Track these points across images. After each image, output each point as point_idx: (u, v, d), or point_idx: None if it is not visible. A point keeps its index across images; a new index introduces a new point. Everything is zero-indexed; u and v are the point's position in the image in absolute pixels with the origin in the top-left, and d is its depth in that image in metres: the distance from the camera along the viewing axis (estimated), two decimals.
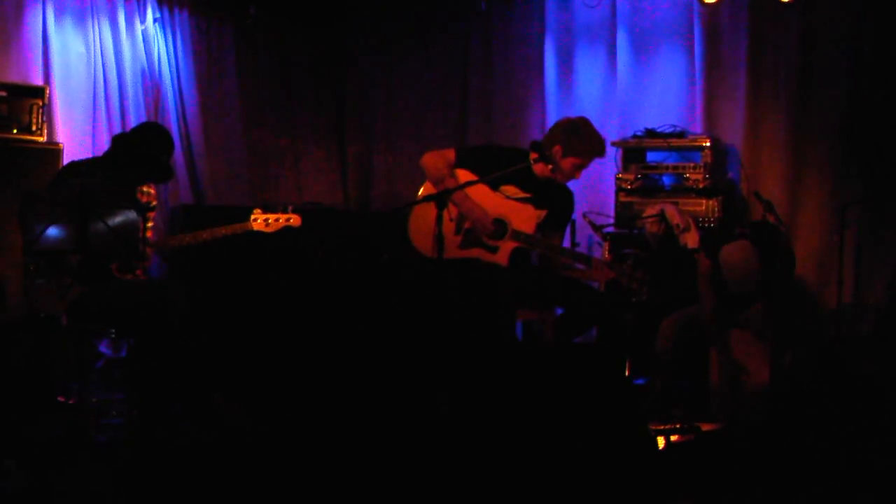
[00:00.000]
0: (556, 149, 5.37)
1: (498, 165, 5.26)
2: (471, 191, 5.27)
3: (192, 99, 7.64)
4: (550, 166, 5.36)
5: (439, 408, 4.37)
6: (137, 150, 5.15)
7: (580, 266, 5.39)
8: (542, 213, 5.38)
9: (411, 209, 5.43)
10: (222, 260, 6.63)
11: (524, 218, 5.35)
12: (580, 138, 5.39)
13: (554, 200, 5.48)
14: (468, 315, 5.28)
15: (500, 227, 5.34)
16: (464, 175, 5.34)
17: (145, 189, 5.30)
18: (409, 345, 5.90)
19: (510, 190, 5.42)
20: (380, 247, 6.78)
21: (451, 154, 5.47)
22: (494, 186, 5.37)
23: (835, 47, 6.73)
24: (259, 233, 5.44)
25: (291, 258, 6.89)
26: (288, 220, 5.51)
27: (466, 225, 5.37)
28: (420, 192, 5.50)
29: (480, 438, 4.14)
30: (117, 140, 5.28)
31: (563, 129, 5.45)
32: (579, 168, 5.43)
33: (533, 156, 5.31)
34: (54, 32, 6.77)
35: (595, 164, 7.55)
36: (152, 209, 5.26)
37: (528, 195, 5.42)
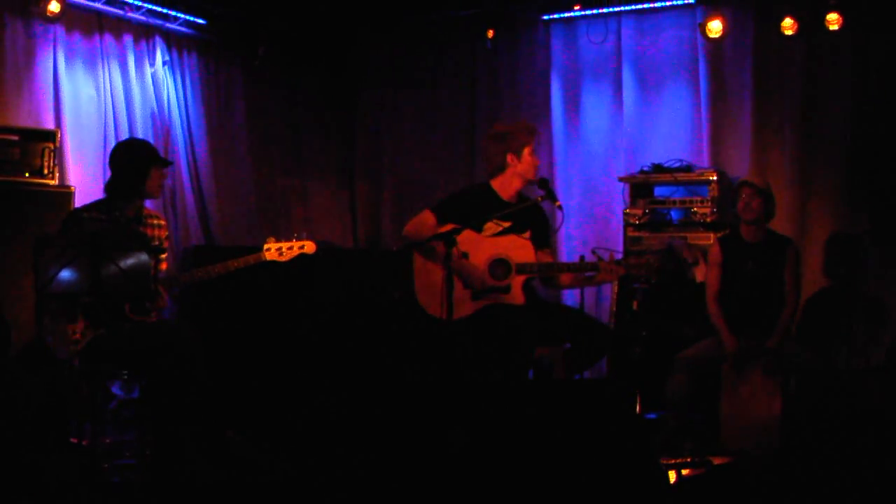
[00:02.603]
0: (510, 158, 5.51)
1: (472, 206, 5.41)
2: (460, 240, 5.18)
3: (201, 140, 7.69)
4: (513, 185, 5.50)
5: (452, 445, 4.38)
6: (124, 156, 5.18)
7: (590, 274, 5.40)
8: (527, 235, 5.43)
9: (413, 272, 5.44)
10: (235, 301, 6.67)
11: (518, 247, 5.39)
12: (514, 132, 5.58)
13: (530, 220, 5.52)
14: (490, 359, 5.29)
15: (502, 266, 5.36)
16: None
17: (156, 222, 5.29)
18: (423, 382, 5.92)
19: (491, 227, 5.44)
20: (391, 285, 6.79)
21: (428, 217, 5.51)
22: (478, 229, 5.39)
23: (839, 79, 6.78)
24: (273, 263, 5.39)
25: (305, 298, 6.91)
26: (302, 247, 5.43)
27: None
28: (414, 258, 5.47)
29: (493, 475, 4.14)
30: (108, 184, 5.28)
31: (495, 140, 5.62)
32: (533, 153, 5.56)
33: (541, 193, 5.34)
34: (65, 76, 6.81)
35: (603, 199, 7.63)
36: (164, 251, 5.27)
37: (507, 224, 5.45)
